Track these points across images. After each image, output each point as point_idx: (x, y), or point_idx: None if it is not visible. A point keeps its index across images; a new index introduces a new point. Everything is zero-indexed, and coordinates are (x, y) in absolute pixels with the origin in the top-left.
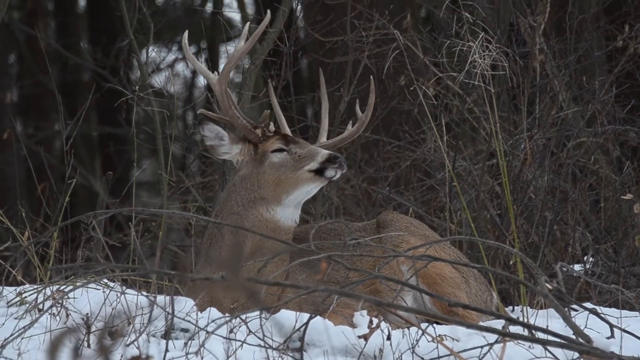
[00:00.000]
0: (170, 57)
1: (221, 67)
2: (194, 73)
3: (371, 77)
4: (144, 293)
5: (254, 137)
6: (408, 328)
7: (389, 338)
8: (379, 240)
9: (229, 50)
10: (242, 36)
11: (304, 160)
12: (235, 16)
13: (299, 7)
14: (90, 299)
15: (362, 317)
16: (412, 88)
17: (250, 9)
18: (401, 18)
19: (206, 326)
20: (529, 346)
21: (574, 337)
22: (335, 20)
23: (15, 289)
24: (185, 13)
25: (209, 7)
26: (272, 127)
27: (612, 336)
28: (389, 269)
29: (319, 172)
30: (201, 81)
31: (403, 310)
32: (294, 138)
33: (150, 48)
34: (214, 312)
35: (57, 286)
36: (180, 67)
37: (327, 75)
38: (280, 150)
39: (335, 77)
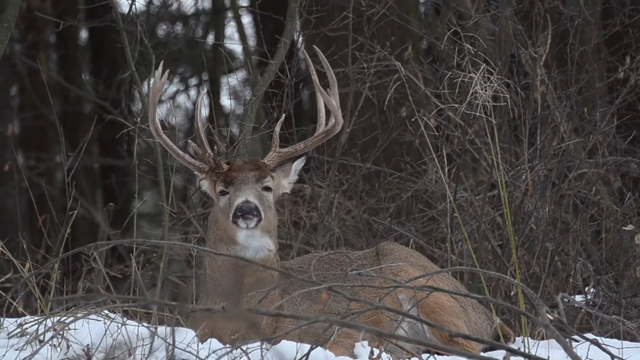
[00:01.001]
0: (172, 89)
1: (223, 98)
2: (195, 105)
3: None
4: (145, 324)
5: (211, 175)
6: (409, 359)
7: None
8: (379, 270)
9: (230, 82)
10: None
11: (229, 208)
12: (237, 48)
13: (300, 38)
14: (91, 330)
15: (363, 348)
16: (413, 119)
17: (251, 41)
18: (402, 50)
19: (207, 357)
20: None
21: None
22: (336, 52)
23: (16, 320)
24: (186, 45)
25: (210, 39)
26: (224, 166)
27: None
28: (388, 298)
29: (235, 223)
30: (202, 113)
31: (404, 341)
32: (234, 177)
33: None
34: (214, 343)
35: (58, 317)
36: (181, 98)
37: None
38: (223, 193)
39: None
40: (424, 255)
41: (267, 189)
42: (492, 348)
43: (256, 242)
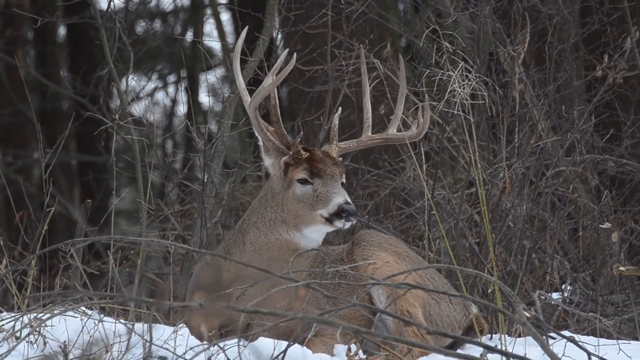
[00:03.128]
0: (150, 85)
1: (201, 95)
2: (174, 102)
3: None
4: (122, 321)
5: (287, 159)
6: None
7: None
8: (355, 268)
9: (209, 78)
10: (274, 69)
11: (320, 203)
12: (216, 45)
13: (279, 36)
14: (68, 326)
15: (341, 346)
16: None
17: (230, 38)
18: (381, 47)
19: (184, 354)
20: None
21: None
22: (315, 49)
23: None
24: (165, 42)
25: (189, 36)
26: (303, 153)
27: None
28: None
29: (329, 220)
30: (181, 110)
31: (381, 338)
32: (321, 169)
33: (130, 77)
34: (192, 340)
35: (35, 314)
36: (159, 95)
37: (306, 105)
38: (304, 181)
39: (315, 105)
40: (400, 241)
41: (344, 185)
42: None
43: (319, 236)
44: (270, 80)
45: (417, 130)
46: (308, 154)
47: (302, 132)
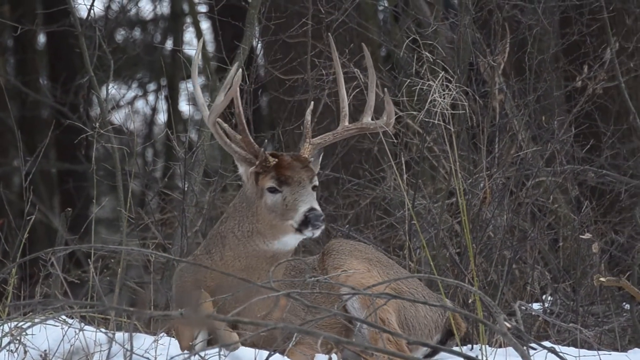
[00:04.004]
0: (130, 94)
1: (181, 104)
2: (154, 110)
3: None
4: (103, 330)
5: (254, 169)
6: None
7: None
8: (326, 272)
9: (188, 87)
10: (226, 83)
11: (289, 212)
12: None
13: (259, 45)
14: (48, 335)
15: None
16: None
17: (210, 47)
18: (361, 57)
19: None
20: None
21: None
22: (295, 58)
23: None
24: (145, 50)
25: (168, 44)
26: (270, 160)
27: None
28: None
29: (300, 230)
30: (161, 118)
31: (361, 348)
32: (289, 176)
33: (110, 85)
34: (173, 348)
35: (15, 322)
36: (139, 104)
37: (286, 114)
38: (273, 190)
39: (296, 114)
40: (371, 248)
41: (315, 187)
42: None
43: (295, 242)
44: (222, 98)
45: (386, 119)
46: (276, 160)
47: (266, 141)
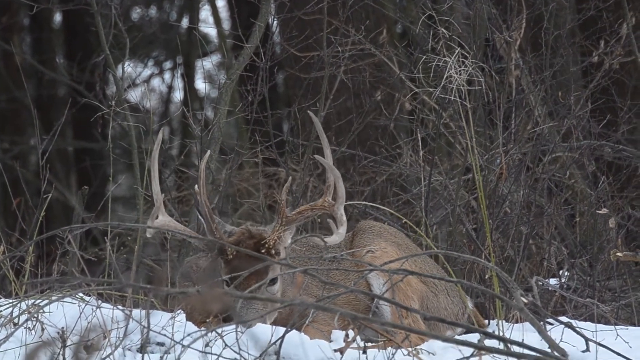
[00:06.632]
0: (146, 72)
1: (197, 82)
2: (170, 88)
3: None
4: (120, 307)
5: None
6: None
7: (365, 352)
8: (352, 254)
9: (205, 65)
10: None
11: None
12: (212, 31)
13: (275, 22)
14: (65, 313)
15: (339, 332)
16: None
17: (226, 25)
18: (377, 34)
19: (182, 340)
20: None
21: (549, 350)
22: (311, 35)
23: None
24: (161, 28)
25: (184, 22)
26: (229, 252)
27: (588, 350)
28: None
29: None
30: (177, 96)
31: (379, 324)
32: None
33: (126, 63)
34: (189, 326)
35: (33, 300)
36: (155, 82)
37: (302, 91)
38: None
39: (312, 92)
40: (402, 233)
41: (273, 281)
42: (467, 332)
43: None
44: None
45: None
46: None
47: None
